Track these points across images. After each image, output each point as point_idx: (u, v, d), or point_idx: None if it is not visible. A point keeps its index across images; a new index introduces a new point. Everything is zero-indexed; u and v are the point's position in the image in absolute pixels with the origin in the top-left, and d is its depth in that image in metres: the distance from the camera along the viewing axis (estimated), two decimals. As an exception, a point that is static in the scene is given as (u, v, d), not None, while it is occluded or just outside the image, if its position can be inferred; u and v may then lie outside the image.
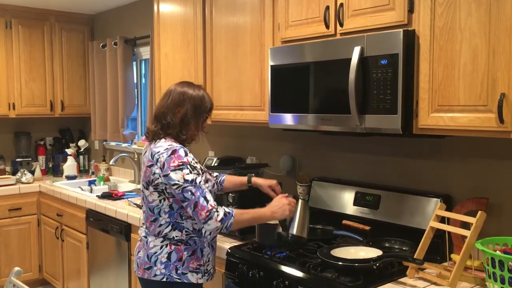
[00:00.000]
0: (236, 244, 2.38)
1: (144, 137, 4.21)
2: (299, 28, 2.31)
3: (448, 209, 2.00)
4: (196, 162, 2.08)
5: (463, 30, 1.72)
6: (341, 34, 2.13)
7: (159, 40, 3.32)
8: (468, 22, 1.71)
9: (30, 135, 4.79)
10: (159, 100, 2.12)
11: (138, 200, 3.43)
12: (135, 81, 4.45)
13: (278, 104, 2.36)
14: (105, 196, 3.60)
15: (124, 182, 4.38)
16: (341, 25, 2.12)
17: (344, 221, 2.38)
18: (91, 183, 4.40)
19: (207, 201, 1.93)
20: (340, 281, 1.84)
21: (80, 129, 5.18)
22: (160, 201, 2.02)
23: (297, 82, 2.25)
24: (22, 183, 4.31)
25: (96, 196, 3.64)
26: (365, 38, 1.96)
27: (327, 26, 2.17)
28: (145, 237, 2.11)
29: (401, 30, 1.85)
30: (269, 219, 2.09)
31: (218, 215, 1.92)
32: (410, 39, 1.86)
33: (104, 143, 4.83)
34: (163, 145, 2.00)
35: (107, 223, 3.34)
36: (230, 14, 2.72)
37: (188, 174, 1.94)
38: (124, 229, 3.15)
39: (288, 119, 2.31)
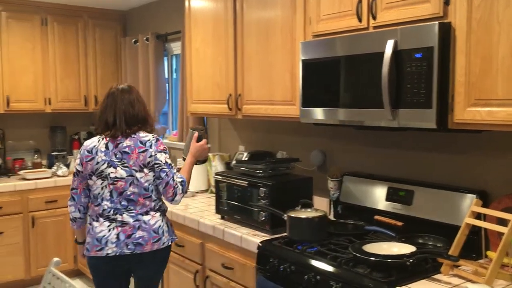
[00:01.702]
0: (267, 238, 2.39)
1: (175, 131, 4.27)
2: (331, 22, 2.29)
3: (484, 205, 1.95)
4: None
5: (501, 22, 1.68)
6: (374, 27, 2.10)
7: (190, 36, 3.35)
8: (506, 13, 1.66)
9: (65, 129, 4.91)
10: (131, 105, 2.44)
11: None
12: (166, 76, 4.51)
13: (309, 99, 2.35)
14: (138, 189, 3.66)
15: (155, 176, 4.44)
16: (374, 18, 2.09)
17: (376, 217, 2.36)
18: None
19: (174, 181, 2.36)
20: (373, 276, 1.82)
21: (112, 123, 5.27)
22: (154, 179, 2.39)
23: (329, 76, 2.24)
24: (58, 176, 4.44)
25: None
26: (398, 31, 1.93)
27: (360, 20, 2.15)
28: (135, 219, 2.37)
29: (437, 22, 1.81)
30: (194, 162, 2.63)
31: (179, 189, 2.38)
32: (446, 32, 1.82)
33: (136, 137, 4.91)
34: (147, 135, 2.43)
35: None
36: (261, 9, 2.72)
37: (168, 158, 2.43)
38: (156, 222, 3.20)
39: (319, 113, 2.30)
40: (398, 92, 1.94)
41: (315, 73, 2.31)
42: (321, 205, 2.75)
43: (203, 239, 2.79)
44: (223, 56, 3.04)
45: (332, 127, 2.61)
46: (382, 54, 1.95)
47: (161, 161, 2.38)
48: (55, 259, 1.83)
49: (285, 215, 2.30)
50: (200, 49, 3.26)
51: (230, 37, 2.96)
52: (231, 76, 2.98)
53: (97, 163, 2.38)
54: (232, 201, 2.71)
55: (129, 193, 2.36)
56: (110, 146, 2.39)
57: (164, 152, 2.42)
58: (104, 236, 2.35)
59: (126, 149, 2.38)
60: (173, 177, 2.38)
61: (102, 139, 2.42)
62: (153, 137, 2.43)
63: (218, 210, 2.83)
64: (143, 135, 2.42)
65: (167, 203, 2.49)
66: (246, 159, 3.16)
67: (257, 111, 2.81)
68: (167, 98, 4.52)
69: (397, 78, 1.93)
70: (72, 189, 2.46)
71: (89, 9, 4.74)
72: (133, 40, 4.62)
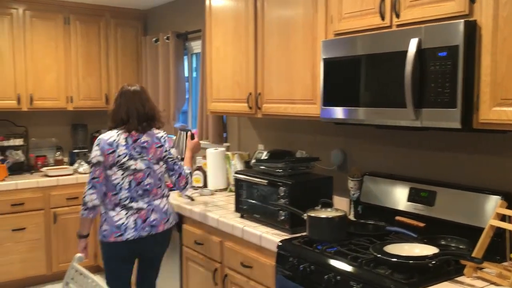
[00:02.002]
0: (286, 237, 2.38)
1: (194, 129, 4.29)
2: (353, 20, 2.27)
3: (509, 207, 1.92)
4: None
5: (530, 20, 1.64)
6: (397, 25, 2.08)
7: (211, 34, 3.36)
8: (535, 11, 1.63)
9: (86, 127, 4.98)
10: (141, 104, 2.70)
11: (189, 192, 3.50)
12: (186, 75, 4.53)
13: (330, 98, 2.33)
14: (157, 187, 3.69)
15: (175, 174, 4.47)
16: (398, 16, 2.07)
17: (397, 217, 2.33)
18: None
19: (185, 172, 2.79)
20: (394, 278, 1.80)
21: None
22: (164, 171, 2.77)
23: (350, 75, 2.22)
24: (79, 173, 4.50)
25: (149, 187, 3.73)
26: (422, 30, 1.91)
27: (383, 18, 2.13)
28: (149, 204, 2.69)
29: (462, 21, 1.78)
30: (192, 156, 3.04)
31: (189, 180, 2.82)
32: (471, 30, 1.79)
33: (156, 135, 4.95)
34: (160, 132, 2.78)
35: (159, 214, 3.42)
36: (281, 8, 2.72)
37: (176, 152, 2.83)
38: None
39: (340, 112, 2.28)
40: (421, 91, 1.92)
41: (336, 72, 2.30)
42: (341, 205, 2.73)
43: (222, 237, 2.80)
44: (243, 54, 3.04)
45: (352, 126, 2.60)
46: (405, 53, 1.93)
47: (173, 155, 2.78)
48: (78, 255, 1.85)
49: (305, 214, 2.29)
50: (220, 48, 3.27)
51: (251, 35, 2.96)
52: (251, 75, 2.98)
53: (119, 155, 2.62)
54: (252, 200, 2.71)
55: (146, 183, 2.68)
56: (129, 140, 2.65)
57: (173, 148, 2.84)
58: (123, 223, 2.62)
59: (145, 144, 2.68)
60: (183, 169, 2.80)
61: (120, 134, 2.66)
62: (165, 134, 2.80)
63: (237, 209, 2.83)
64: (156, 131, 2.76)
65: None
66: (266, 158, 3.16)
67: (277, 110, 2.81)
68: (187, 96, 4.54)
69: (420, 77, 1.91)
70: (94, 178, 2.62)
71: (111, 8, 4.80)
72: (153, 39, 4.65)
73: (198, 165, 3.75)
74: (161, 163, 2.73)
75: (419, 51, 1.91)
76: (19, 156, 4.49)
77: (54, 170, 4.41)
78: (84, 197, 2.63)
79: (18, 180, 4.18)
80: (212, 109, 3.41)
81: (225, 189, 3.61)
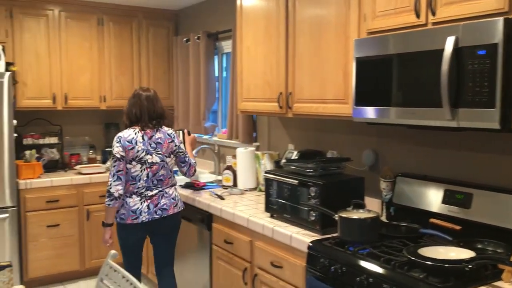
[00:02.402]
0: (317, 238, 2.37)
1: (224, 129, 4.31)
2: (387, 19, 2.24)
3: (550, 211, 1.85)
4: None
5: None
6: (433, 23, 2.04)
7: (242, 34, 3.36)
8: None
9: (118, 126, 5.06)
10: (152, 104, 3.08)
11: (219, 191, 3.52)
12: (216, 75, 4.55)
13: (363, 97, 2.30)
14: (188, 186, 3.72)
15: (204, 173, 4.51)
16: (434, 14, 2.02)
17: (432, 220, 2.28)
18: (174, 173, 4.56)
19: (193, 162, 3.24)
20: (429, 281, 1.77)
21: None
22: (173, 163, 3.18)
23: (384, 74, 2.18)
24: (111, 171, 4.58)
25: (179, 185, 3.77)
26: (460, 28, 1.86)
27: (418, 16, 2.08)
28: (161, 191, 3.07)
29: (501, 18, 1.73)
30: (191, 149, 3.43)
31: (196, 168, 3.27)
32: (511, 28, 1.73)
33: (186, 134, 4.99)
34: (169, 129, 3.16)
35: (189, 212, 3.45)
36: (313, 6, 2.70)
37: (184, 146, 3.26)
38: (206, 219, 3.24)
39: (373, 112, 2.25)
40: (458, 91, 1.87)
41: (370, 71, 2.26)
42: (372, 206, 2.69)
43: (252, 237, 2.80)
44: (274, 54, 3.03)
45: (384, 126, 2.56)
46: (441, 51, 1.89)
47: (183, 149, 3.20)
48: (112, 251, 1.88)
49: (336, 215, 2.27)
50: (251, 48, 3.27)
51: (282, 35, 2.95)
52: (282, 74, 2.97)
53: (137, 151, 2.99)
54: (282, 200, 2.70)
55: (160, 174, 3.07)
56: (145, 138, 3.03)
57: (182, 143, 3.22)
58: (138, 208, 3.01)
59: (159, 140, 3.07)
60: (191, 160, 3.25)
61: (137, 132, 3.03)
62: (173, 131, 3.19)
63: (267, 208, 2.82)
64: (166, 129, 3.14)
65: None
66: (296, 157, 3.14)
67: (308, 110, 2.79)
68: (217, 96, 4.56)
69: (457, 76, 1.86)
70: (118, 171, 2.96)
71: (143, 9, 4.86)
72: (184, 39, 4.69)
73: (228, 164, 3.76)
74: (172, 156, 3.15)
75: (456, 49, 1.86)
76: (54, 154, 4.60)
77: (87, 168, 4.50)
78: (110, 188, 2.94)
79: (53, 177, 4.28)
80: (243, 109, 3.41)
81: (254, 189, 3.61)
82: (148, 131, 3.04)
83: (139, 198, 3.01)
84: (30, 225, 4.15)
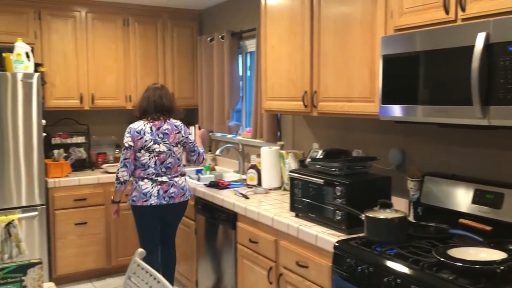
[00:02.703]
0: (343, 237, 2.35)
1: (248, 128, 4.31)
2: (414, 15, 2.20)
3: None
4: None
5: None
6: (463, 19, 1.99)
7: (266, 33, 3.35)
8: None
9: (144, 125, 5.11)
10: (159, 97, 3.43)
11: (243, 190, 3.52)
12: (240, 74, 4.56)
13: (390, 95, 2.27)
14: (212, 185, 3.74)
15: (229, 172, 4.52)
16: (463, 10, 1.98)
17: (461, 220, 2.24)
18: (198, 172, 4.59)
19: (201, 151, 3.60)
20: (459, 283, 1.73)
21: (188, 120, 5.42)
22: (182, 152, 3.50)
23: (411, 71, 2.15)
24: (137, 170, 4.63)
25: (204, 184, 3.79)
26: (491, 24, 1.81)
27: (447, 12, 2.04)
28: (170, 180, 3.40)
29: (535, 12, 1.68)
30: (201, 142, 3.80)
31: (205, 157, 3.67)
32: (545, 23, 1.68)
33: (210, 134, 5.02)
34: (177, 121, 3.48)
35: (214, 211, 3.47)
36: (339, 4, 2.67)
37: (193, 137, 3.56)
38: (230, 218, 3.25)
39: (400, 110, 2.21)
40: (489, 88, 1.82)
41: (397, 68, 2.23)
42: (399, 206, 2.65)
43: (277, 236, 2.79)
44: (299, 52, 3.02)
45: (412, 124, 2.52)
46: (471, 48, 1.84)
47: (192, 140, 3.52)
48: (140, 250, 1.90)
49: (362, 215, 2.24)
50: (275, 46, 3.26)
51: (307, 33, 2.93)
52: (307, 73, 2.95)
53: (145, 141, 3.34)
54: (307, 199, 2.68)
55: (167, 162, 3.39)
56: (154, 129, 3.37)
57: (190, 134, 3.54)
58: (148, 191, 3.35)
59: (166, 131, 3.40)
60: (200, 149, 3.58)
61: (146, 123, 3.37)
62: (181, 123, 3.49)
63: (292, 208, 2.81)
64: (174, 121, 3.46)
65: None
66: (321, 157, 3.12)
67: (333, 108, 2.77)
68: (241, 95, 4.57)
69: (488, 73, 1.82)
70: (125, 159, 3.35)
71: (168, 9, 4.90)
72: (208, 39, 4.71)
73: (252, 163, 3.76)
74: (179, 146, 3.45)
75: (487, 45, 1.81)
76: (82, 153, 4.68)
77: (114, 167, 4.54)
78: (117, 173, 3.37)
79: (80, 176, 4.35)
80: (267, 108, 3.41)
81: (279, 188, 3.60)
82: (156, 122, 3.38)
83: (150, 182, 3.36)
84: (59, 223, 4.23)
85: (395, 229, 2.15)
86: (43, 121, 4.02)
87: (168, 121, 3.42)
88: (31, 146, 3.95)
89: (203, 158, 3.62)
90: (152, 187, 3.35)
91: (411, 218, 2.56)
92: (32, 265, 1.87)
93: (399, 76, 2.22)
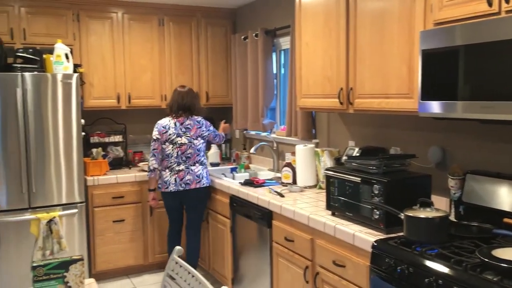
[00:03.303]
0: (381, 237, 2.30)
1: (282, 126, 4.29)
2: (455, 8, 2.13)
3: None
4: None
5: None
6: (507, 11, 1.91)
7: (300, 29, 3.33)
8: None
9: (179, 124, 5.16)
10: (181, 98, 3.99)
11: (278, 188, 3.51)
12: (274, 71, 4.54)
13: (430, 91, 2.21)
14: (247, 183, 3.74)
15: (263, 170, 4.52)
16: (507, 1, 1.90)
17: (506, 219, 2.15)
18: (233, 170, 4.61)
19: (222, 135, 4.23)
20: (504, 284, 1.67)
21: (222, 118, 5.45)
22: (202, 144, 3.99)
23: (452, 66, 2.08)
24: (173, 168, 4.68)
25: (239, 183, 3.80)
26: (538, 15, 1.74)
27: (490, 4, 1.97)
28: (187, 168, 3.93)
29: None
30: (224, 134, 4.31)
31: (224, 138, 4.27)
32: None
33: (245, 132, 5.03)
34: (198, 117, 4.03)
35: (249, 209, 3.47)
36: (375, -2, 2.62)
37: (212, 127, 4.11)
38: (265, 216, 3.24)
39: (441, 107, 2.15)
40: (536, 82, 1.74)
41: (437, 63, 2.16)
42: (439, 205, 2.58)
43: (313, 235, 2.77)
44: (334, 49, 2.98)
45: (452, 121, 2.44)
46: (517, 40, 1.77)
47: (213, 130, 4.08)
48: (178, 247, 1.92)
49: (402, 214, 2.19)
50: (310, 43, 3.23)
51: (342, 29, 2.89)
52: (343, 70, 2.91)
53: (169, 134, 3.91)
54: (343, 198, 2.65)
55: (188, 152, 3.92)
56: (177, 124, 3.93)
57: (211, 126, 4.08)
58: (167, 180, 3.93)
59: (188, 126, 3.94)
60: (221, 134, 4.18)
61: (171, 120, 3.95)
62: (202, 119, 4.02)
63: (328, 206, 2.78)
64: (196, 117, 4.00)
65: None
66: (358, 154, 3.07)
67: (370, 105, 2.72)
68: (275, 93, 4.55)
69: (535, 66, 1.74)
70: (154, 149, 3.95)
71: (202, 8, 4.93)
72: (242, 37, 4.72)
73: (287, 161, 3.74)
74: (199, 138, 3.96)
75: (534, 38, 1.74)
76: (119, 152, 4.77)
77: (150, 165, 4.62)
78: (148, 162, 3.97)
79: (118, 174, 4.44)
80: (302, 105, 3.38)
81: (314, 186, 3.57)
82: (180, 118, 3.94)
83: (169, 172, 3.93)
84: (97, 220, 4.33)
85: (436, 229, 2.10)
86: (82, 121, 4.11)
87: (190, 117, 3.96)
88: (71, 145, 4.06)
89: (223, 137, 4.23)
90: (170, 176, 3.91)
91: (452, 218, 2.49)
92: (74, 261, 1.92)
93: (439, 71, 2.16)
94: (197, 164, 3.93)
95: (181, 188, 3.89)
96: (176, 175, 3.89)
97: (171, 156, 3.91)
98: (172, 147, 3.90)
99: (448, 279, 1.83)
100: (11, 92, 3.82)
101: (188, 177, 3.89)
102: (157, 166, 3.94)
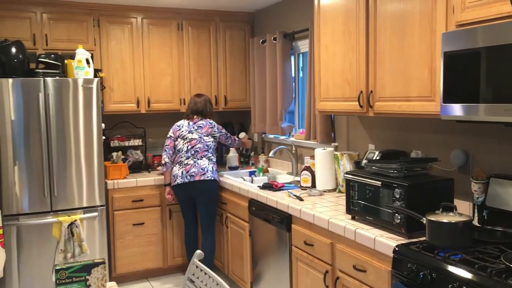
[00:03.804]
0: (403, 241, 2.27)
1: (301, 129, 4.27)
2: (478, 10, 2.10)
3: None
4: None
5: None
6: (532, 12, 1.88)
7: (319, 32, 3.31)
8: None
9: (198, 128, 5.18)
10: (194, 103, 4.33)
11: (297, 192, 3.49)
12: (293, 75, 4.53)
13: (452, 94, 2.17)
14: (266, 186, 3.73)
15: (282, 173, 4.50)
16: (533, 2, 1.86)
17: (531, 224, 2.11)
18: (251, 174, 4.61)
19: (237, 139, 4.51)
20: (531, 292, 1.63)
21: (240, 122, 5.46)
22: (212, 142, 4.21)
23: (475, 68, 2.05)
24: (191, 172, 4.70)
25: (258, 186, 3.79)
26: None
27: (514, 5, 1.93)
28: (194, 162, 4.12)
29: None
30: (244, 145, 4.76)
31: (236, 139, 4.50)
32: None
33: (263, 135, 5.03)
34: (211, 120, 4.30)
35: (268, 213, 3.46)
36: (396, 1, 2.59)
37: (224, 129, 4.35)
38: (285, 220, 3.23)
39: (464, 109, 2.11)
40: None
41: (460, 65, 2.13)
42: (462, 209, 2.54)
43: (333, 239, 2.74)
44: (353, 52, 2.96)
45: (475, 124, 2.40)
46: (543, 41, 1.73)
47: (225, 132, 4.33)
48: (198, 251, 1.92)
49: (424, 218, 2.16)
50: (329, 46, 3.21)
51: (362, 32, 2.87)
52: (363, 72, 2.89)
53: (182, 131, 4.21)
54: (364, 202, 2.62)
55: (197, 146, 4.14)
56: (191, 123, 4.24)
57: (223, 129, 4.33)
58: (176, 174, 4.16)
59: (201, 125, 4.22)
60: (234, 138, 4.44)
61: (186, 120, 4.27)
62: (214, 122, 4.29)
63: (348, 210, 2.76)
64: (209, 120, 4.28)
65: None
66: (378, 158, 3.04)
67: (390, 108, 2.69)
68: (294, 96, 4.54)
69: (562, 68, 1.70)
70: (166, 145, 4.25)
71: (220, 13, 4.96)
72: (261, 40, 4.72)
73: (306, 165, 3.73)
74: (210, 136, 4.19)
75: (561, 39, 1.70)
76: (138, 155, 4.81)
77: (169, 169, 4.64)
78: (162, 158, 4.27)
79: (137, 178, 4.48)
80: (321, 109, 3.36)
81: (333, 190, 3.55)
82: (194, 119, 4.24)
83: (178, 166, 4.16)
84: (118, 223, 4.37)
85: (460, 234, 2.06)
86: (103, 125, 4.16)
87: (203, 119, 4.25)
88: (92, 149, 4.11)
89: (234, 140, 4.43)
90: (178, 170, 4.14)
91: (475, 222, 2.44)
92: (96, 264, 1.94)
93: (462, 73, 2.12)
94: (204, 159, 4.12)
95: (186, 180, 4.07)
96: (183, 168, 4.11)
97: (182, 151, 4.15)
98: (183, 142, 4.16)
99: (472, 285, 1.79)
100: (34, 97, 3.88)
101: (193, 169, 4.08)
102: (168, 160, 4.20)
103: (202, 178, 4.06)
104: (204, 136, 4.16)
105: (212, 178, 4.10)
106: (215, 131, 4.22)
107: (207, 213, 4.16)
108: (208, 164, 4.13)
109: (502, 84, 1.94)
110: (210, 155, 4.17)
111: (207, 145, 4.15)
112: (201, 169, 4.08)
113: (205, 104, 4.29)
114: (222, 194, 4.29)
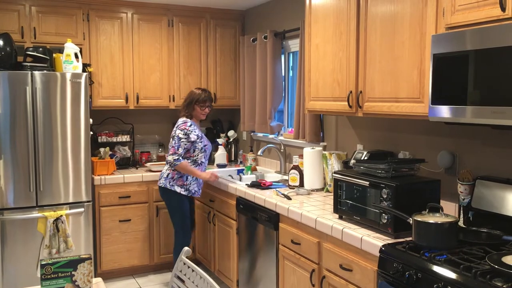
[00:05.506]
0: (389, 241, 2.29)
1: (290, 128, 4.28)
2: (467, 13, 2.12)
3: None
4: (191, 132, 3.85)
5: None
6: (521, 16, 1.90)
7: (310, 32, 3.32)
8: None
9: (186, 125, 5.16)
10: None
11: (285, 191, 3.50)
12: (283, 74, 4.53)
13: (441, 96, 2.19)
14: (254, 185, 3.73)
15: (270, 172, 4.51)
16: (521, 6, 1.89)
17: (516, 226, 2.14)
18: (239, 172, 4.60)
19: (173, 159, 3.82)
20: (514, 292, 1.65)
21: (230, 120, 5.45)
22: (174, 144, 3.80)
23: (464, 71, 2.07)
24: (179, 169, 4.68)
25: (246, 184, 3.79)
26: (552, 20, 1.72)
27: (503, 9, 1.95)
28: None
29: None
30: (201, 177, 3.92)
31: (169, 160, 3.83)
32: None
33: (252, 134, 5.02)
34: (182, 118, 3.90)
35: (256, 211, 3.46)
36: (387, 2, 2.61)
37: (176, 140, 3.84)
38: (272, 218, 3.23)
39: (452, 111, 2.13)
40: (549, 88, 1.73)
41: (449, 68, 2.15)
42: (448, 210, 2.57)
43: (320, 238, 2.75)
44: (344, 52, 2.97)
45: (462, 126, 2.43)
46: (531, 46, 1.75)
47: (172, 141, 3.84)
48: (186, 248, 1.92)
49: (410, 218, 2.18)
50: (319, 45, 3.22)
51: (352, 32, 2.88)
52: (352, 73, 2.90)
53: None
54: (351, 201, 2.63)
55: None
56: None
57: (176, 135, 3.80)
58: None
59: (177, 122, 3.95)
60: (171, 154, 3.81)
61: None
62: (182, 121, 3.86)
63: (336, 210, 2.77)
64: (181, 118, 3.94)
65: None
66: (366, 158, 3.06)
67: (379, 109, 2.71)
68: (283, 95, 4.54)
69: (549, 72, 1.72)
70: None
71: (211, 10, 4.94)
72: (251, 39, 4.71)
73: (294, 164, 3.74)
74: (171, 138, 3.86)
75: (548, 43, 1.72)
76: (126, 151, 4.78)
77: (157, 166, 4.63)
78: None
79: (125, 174, 4.45)
80: (310, 108, 3.37)
81: (321, 189, 3.56)
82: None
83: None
84: (104, 219, 4.34)
85: (445, 234, 2.08)
86: (90, 120, 4.13)
87: (181, 117, 3.92)
88: (79, 144, 4.07)
89: (167, 162, 3.82)
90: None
91: (461, 223, 2.47)
92: (82, 260, 1.92)
93: (451, 75, 2.15)
94: (166, 163, 3.91)
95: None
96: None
97: None
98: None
99: (457, 285, 1.81)
100: (21, 90, 3.84)
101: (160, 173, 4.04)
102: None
103: (159, 184, 3.93)
104: (171, 138, 3.87)
105: (162, 186, 3.89)
106: (174, 131, 3.85)
107: (169, 211, 4.01)
108: (166, 169, 3.89)
109: (489, 87, 1.96)
110: (168, 157, 3.82)
111: (172, 146, 3.80)
112: (160, 174, 3.96)
113: (185, 99, 4.02)
114: (209, 192, 4.28)
